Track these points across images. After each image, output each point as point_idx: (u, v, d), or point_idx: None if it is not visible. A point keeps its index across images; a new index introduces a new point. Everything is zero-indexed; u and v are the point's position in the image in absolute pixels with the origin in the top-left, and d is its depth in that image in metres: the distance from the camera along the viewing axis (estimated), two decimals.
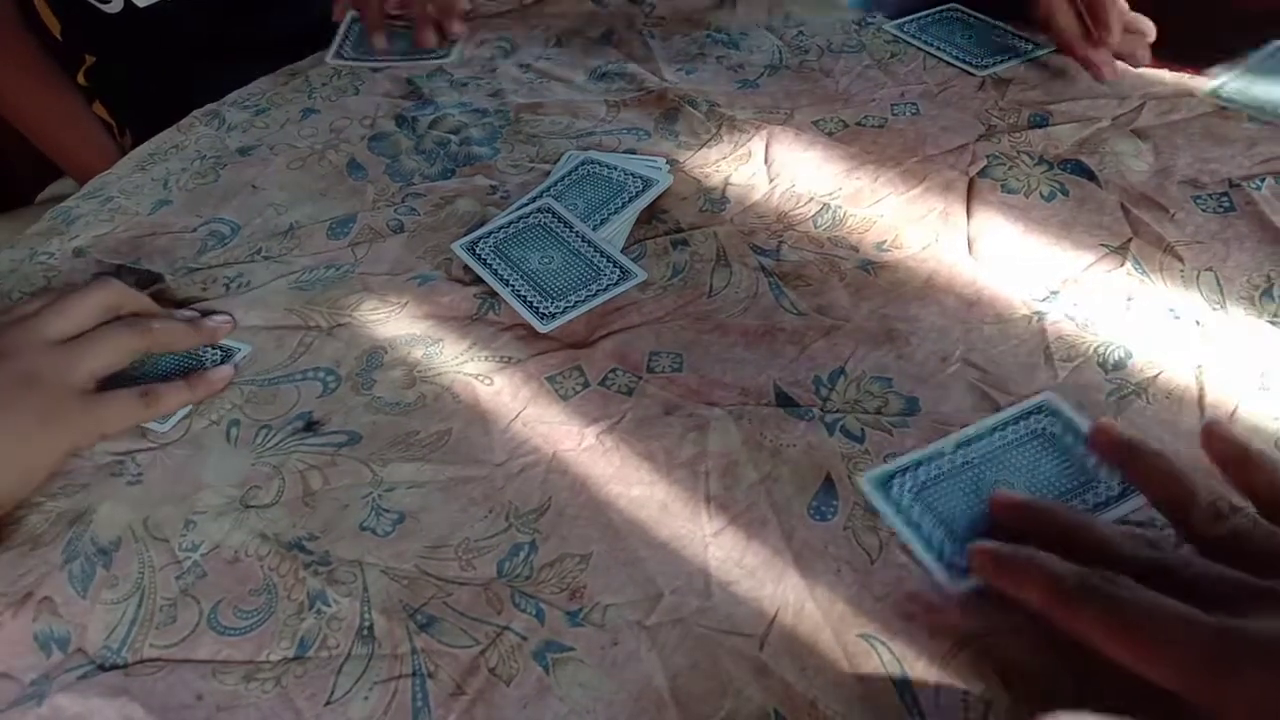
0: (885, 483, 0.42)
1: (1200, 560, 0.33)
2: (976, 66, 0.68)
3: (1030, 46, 0.69)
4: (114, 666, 0.39)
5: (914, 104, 0.65)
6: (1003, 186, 0.57)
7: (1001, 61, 0.68)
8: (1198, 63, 0.64)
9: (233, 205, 0.63)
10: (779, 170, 0.61)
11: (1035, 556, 0.34)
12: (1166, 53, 0.66)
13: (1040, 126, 0.61)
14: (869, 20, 0.74)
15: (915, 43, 0.71)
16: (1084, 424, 0.43)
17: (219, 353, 0.52)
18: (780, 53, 0.72)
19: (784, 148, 0.62)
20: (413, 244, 0.58)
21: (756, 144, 0.63)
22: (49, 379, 0.46)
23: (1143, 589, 0.31)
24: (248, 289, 0.56)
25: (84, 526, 0.44)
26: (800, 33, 0.74)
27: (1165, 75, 0.64)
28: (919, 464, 0.42)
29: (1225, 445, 0.36)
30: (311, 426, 0.48)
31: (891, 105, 0.65)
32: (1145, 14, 0.69)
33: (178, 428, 0.48)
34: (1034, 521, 0.38)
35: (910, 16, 0.74)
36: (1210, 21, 0.68)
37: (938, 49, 0.70)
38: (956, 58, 0.69)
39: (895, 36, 0.72)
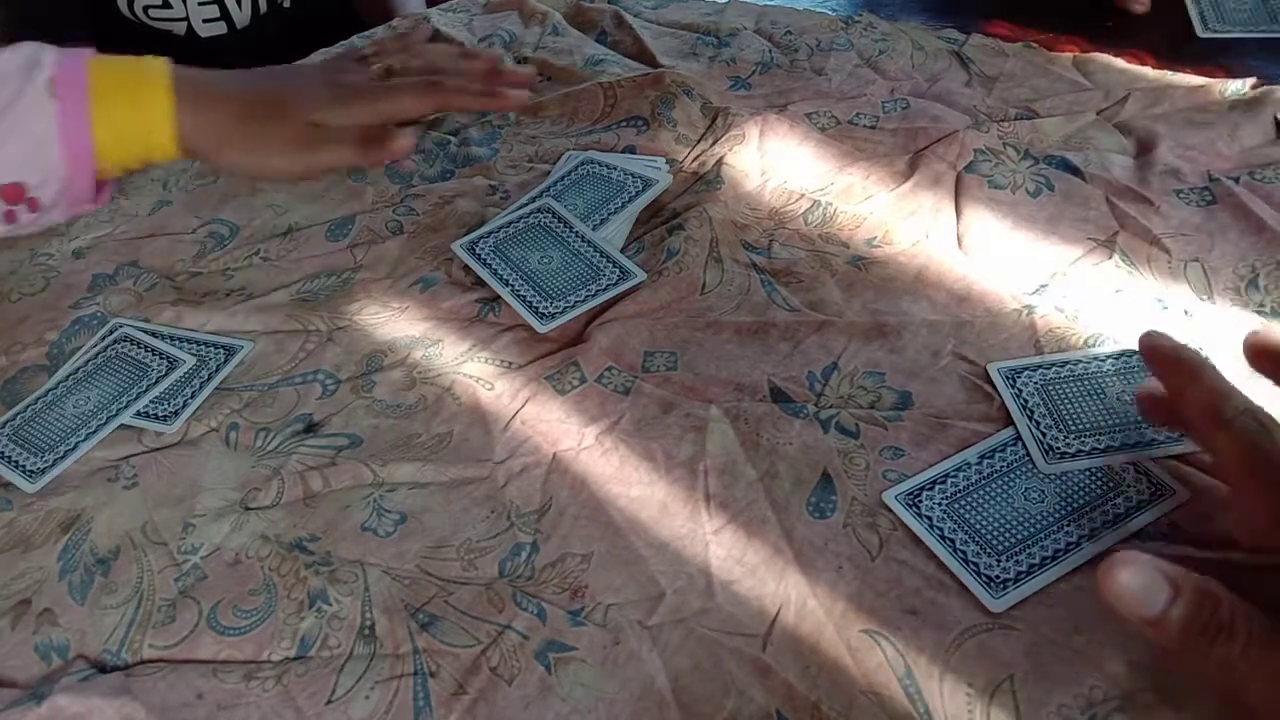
0: (914, 498, 0.39)
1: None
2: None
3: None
4: (115, 668, 0.37)
5: (904, 99, 0.63)
6: (989, 182, 0.55)
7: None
8: (1199, 61, 0.62)
9: (232, 206, 0.61)
10: (772, 162, 0.59)
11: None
12: (1168, 52, 0.64)
13: (1026, 120, 0.59)
14: (855, 18, 0.72)
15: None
16: None
17: (222, 352, 0.50)
18: (770, 53, 0.69)
19: (778, 138, 0.60)
20: (412, 245, 0.56)
21: (751, 129, 0.60)
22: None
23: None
24: (247, 294, 0.54)
25: (81, 534, 0.42)
26: (788, 32, 0.71)
27: (1148, 71, 0.62)
28: (945, 476, 0.40)
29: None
30: (312, 429, 0.45)
31: (882, 103, 0.63)
32: (1150, 13, 0.67)
33: (175, 434, 0.46)
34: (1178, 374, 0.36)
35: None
36: None
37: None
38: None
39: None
